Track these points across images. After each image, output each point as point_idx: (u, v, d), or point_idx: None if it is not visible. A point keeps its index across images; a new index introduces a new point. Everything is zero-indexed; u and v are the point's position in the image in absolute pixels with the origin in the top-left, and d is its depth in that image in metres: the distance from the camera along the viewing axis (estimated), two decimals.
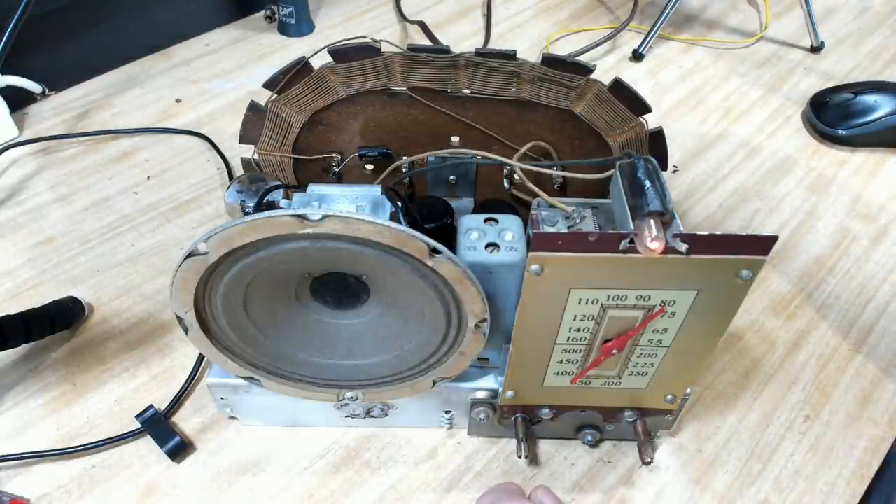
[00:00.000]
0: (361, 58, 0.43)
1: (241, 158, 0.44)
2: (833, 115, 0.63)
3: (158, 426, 0.40)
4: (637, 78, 0.71)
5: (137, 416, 0.40)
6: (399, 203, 0.33)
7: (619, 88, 0.41)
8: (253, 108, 0.43)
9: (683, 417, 0.39)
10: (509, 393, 0.37)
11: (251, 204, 0.36)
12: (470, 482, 0.39)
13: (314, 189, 0.33)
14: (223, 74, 0.69)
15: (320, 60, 0.43)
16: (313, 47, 0.52)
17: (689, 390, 0.37)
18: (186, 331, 0.33)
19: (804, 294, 0.50)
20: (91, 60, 0.67)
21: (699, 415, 0.43)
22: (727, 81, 0.70)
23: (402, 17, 0.77)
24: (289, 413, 0.40)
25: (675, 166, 0.60)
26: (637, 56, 0.72)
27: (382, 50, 0.42)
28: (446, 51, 0.42)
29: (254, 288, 0.32)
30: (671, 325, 0.32)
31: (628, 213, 0.30)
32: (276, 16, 0.74)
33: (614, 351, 0.33)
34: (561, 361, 0.35)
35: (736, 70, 0.72)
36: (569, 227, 0.33)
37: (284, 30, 0.74)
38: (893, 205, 0.57)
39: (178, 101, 0.65)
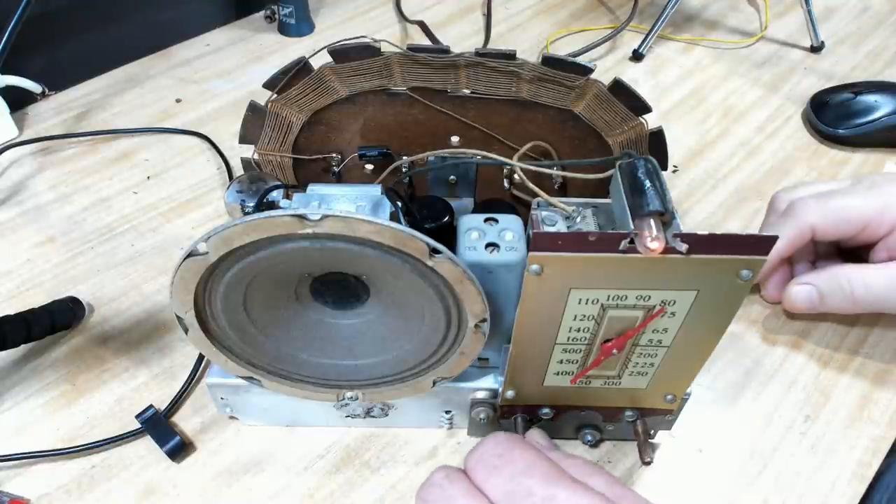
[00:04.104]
0: (361, 58, 0.43)
1: (241, 158, 0.45)
2: (833, 115, 0.63)
3: (158, 426, 0.40)
4: (637, 78, 0.71)
5: (137, 416, 0.40)
6: (399, 203, 0.33)
7: (619, 88, 0.41)
8: (253, 108, 0.43)
9: (683, 417, 0.39)
10: (509, 393, 0.37)
11: (251, 204, 0.36)
12: None
13: (314, 189, 0.33)
14: (223, 74, 0.69)
15: (320, 60, 0.43)
16: (313, 47, 0.52)
17: (689, 390, 0.37)
18: (186, 331, 0.33)
19: None
20: (91, 60, 0.67)
21: (699, 415, 0.43)
22: (727, 81, 0.71)
23: (402, 17, 0.77)
24: (289, 413, 0.40)
25: (675, 166, 0.60)
26: (637, 56, 0.72)
27: (382, 50, 0.42)
28: (446, 51, 0.42)
29: (254, 288, 0.32)
30: (671, 325, 0.32)
31: (628, 213, 0.30)
32: (276, 16, 0.74)
33: (614, 351, 0.33)
34: (561, 361, 0.35)
35: (736, 70, 0.72)
36: (569, 227, 0.33)
37: (284, 30, 0.74)
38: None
39: (178, 101, 0.65)
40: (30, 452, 0.39)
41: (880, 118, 0.61)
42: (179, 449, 0.39)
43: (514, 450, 0.29)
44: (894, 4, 0.84)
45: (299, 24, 0.74)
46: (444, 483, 0.29)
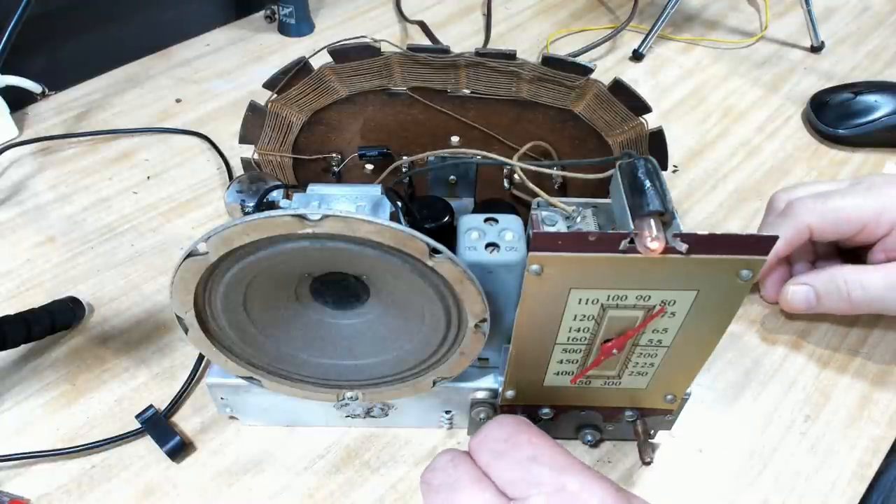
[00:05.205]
0: (361, 58, 0.43)
1: (241, 158, 0.45)
2: (833, 115, 0.63)
3: (158, 426, 0.40)
4: (637, 78, 0.71)
5: (137, 416, 0.40)
6: (399, 203, 0.33)
7: (619, 88, 0.41)
8: (253, 108, 0.43)
9: (683, 417, 0.39)
10: (509, 393, 0.37)
11: (251, 204, 0.36)
12: None
13: (314, 189, 0.33)
14: (223, 74, 0.69)
15: (320, 60, 0.43)
16: (313, 47, 0.52)
17: (689, 390, 0.37)
18: (186, 331, 0.33)
19: None
20: (91, 60, 0.67)
21: (699, 415, 0.43)
22: (727, 81, 0.71)
23: (402, 17, 0.77)
24: (289, 413, 0.40)
25: (675, 166, 0.60)
26: (637, 56, 0.72)
27: (382, 50, 0.42)
28: (446, 51, 0.42)
29: (254, 288, 0.32)
30: (671, 325, 0.32)
31: (628, 213, 0.30)
32: (276, 16, 0.74)
33: (614, 351, 0.33)
34: (561, 361, 0.35)
35: (736, 70, 0.72)
36: (569, 227, 0.33)
37: (284, 30, 0.74)
38: None
39: (178, 101, 0.65)
40: (30, 452, 0.39)
41: (880, 118, 0.61)
42: (179, 449, 0.39)
43: (521, 433, 0.28)
44: (894, 4, 0.84)
45: (299, 24, 0.74)
46: (449, 467, 0.28)
